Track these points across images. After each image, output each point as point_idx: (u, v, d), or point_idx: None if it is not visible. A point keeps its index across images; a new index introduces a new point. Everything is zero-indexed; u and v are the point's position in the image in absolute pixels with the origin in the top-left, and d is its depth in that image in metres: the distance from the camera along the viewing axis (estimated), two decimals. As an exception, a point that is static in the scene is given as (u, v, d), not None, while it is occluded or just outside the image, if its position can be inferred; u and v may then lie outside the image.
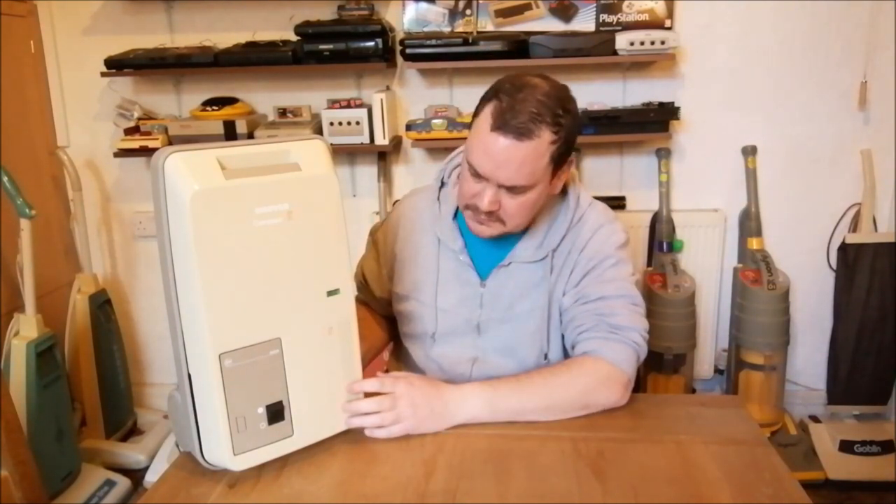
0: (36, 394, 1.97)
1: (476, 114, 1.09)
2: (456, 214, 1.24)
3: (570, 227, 1.19)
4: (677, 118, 2.14)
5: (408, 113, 2.32)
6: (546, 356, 1.21)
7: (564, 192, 1.21)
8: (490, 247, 1.21)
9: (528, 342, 1.21)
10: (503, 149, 1.04)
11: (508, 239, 1.19)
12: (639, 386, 2.30)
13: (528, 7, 2.15)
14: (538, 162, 1.06)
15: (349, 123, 2.18)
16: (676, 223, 2.28)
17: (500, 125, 1.03)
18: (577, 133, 1.12)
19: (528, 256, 1.19)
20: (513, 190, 1.08)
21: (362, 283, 1.37)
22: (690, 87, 2.24)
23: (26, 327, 2.01)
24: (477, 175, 1.08)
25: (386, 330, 1.38)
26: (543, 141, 1.05)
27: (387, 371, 1.45)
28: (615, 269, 1.18)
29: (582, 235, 1.19)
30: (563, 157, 1.10)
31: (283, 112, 2.25)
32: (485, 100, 1.08)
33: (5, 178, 1.96)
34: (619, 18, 2.12)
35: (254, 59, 2.15)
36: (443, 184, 1.27)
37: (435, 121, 2.13)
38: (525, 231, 1.19)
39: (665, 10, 2.11)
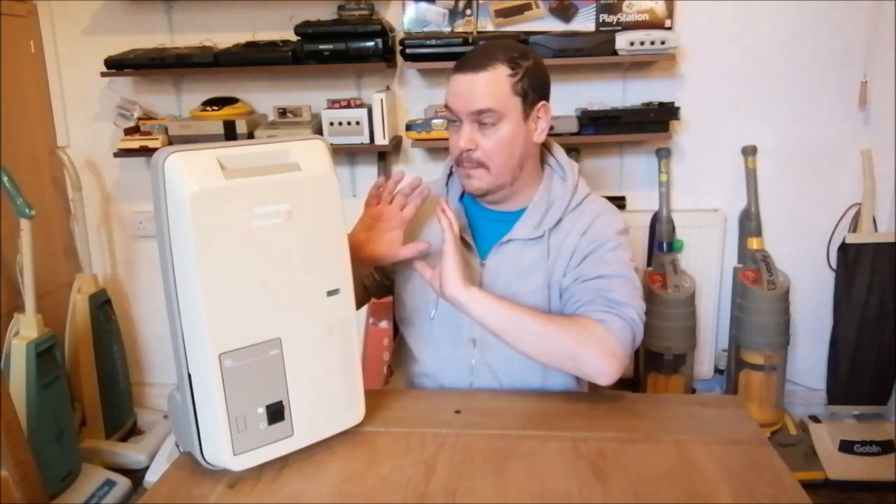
0: (36, 394, 1.97)
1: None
2: (462, 197, 1.30)
3: (568, 209, 1.23)
4: (677, 118, 2.14)
5: (408, 113, 2.32)
6: None
7: (564, 179, 1.27)
8: (492, 228, 1.26)
9: None
10: (464, 83, 1.15)
11: (509, 219, 1.24)
12: (639, 386, 2.31)
13: (528, 7, 2.15)
14: (498, 89, 1.15)
15: (349, 123, 2.18)
16: (676, 223, 2.28)
17: (458, 67, 1.17)
18: (543, 80, 1.21)
19: (526, 234, 1.23)
20: (483, 122, 1.15)
21: None
22: (690, 87, 2.24)
23: (26, 327, 2.01)
24: (453, 119, 1.18)
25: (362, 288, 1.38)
26: (499, 73, 1.15)
27: (388, 369, 1.46)
28: (614, 253, 1.20)
29: (582, 221, 1.23)
30: (530, 97, 1.18)
31: (283, 112, 2.25)
32: None
33: (5, 178, 1.96)
34: (619, 18, 2.12)
35: (254, 59, 2.15)
36: (451, 172, 1.33)
37: (435, 121, 2.13)
38: (524, 210, 1.25)
39: (665, 10, 2.11)
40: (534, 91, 1.18)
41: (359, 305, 1.40)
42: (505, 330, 1.11)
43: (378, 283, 1.38)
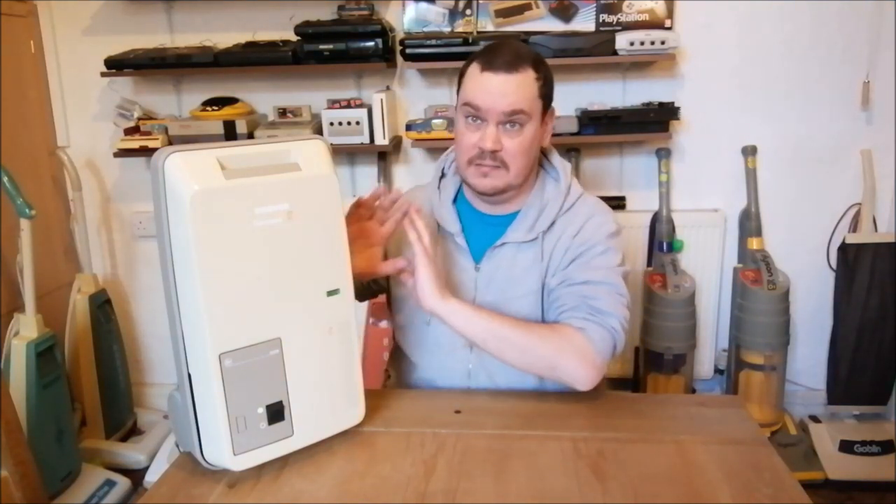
0: (36, 394, 1.97)
1: (462, 76, 1.20)
2: (455, 200, 1.29)
3: (561, 212, 1.23)
4: (677, 118, 2.14)
5: (408, 113, 2.32)
6: None
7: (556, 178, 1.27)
8: (485, 231, 1.25)
9: None
10: (498, 83, 1.14)
11: (503, 222, 1.24)
12: (639, 386, 2.31)
13: (528, 7, 2.15)
14: (530, 90, 1.15)
15: (349, 123, 2.18)
16: (676, 223, 2.28)
17: (489, 66, 1.14)
18: (553, 85, 1.22)
19: (520, 237, 1.22)
20: (511, 123, 1.15)
21: None
22: (690, 87, 2.24)
23: (26, 327, 2.01)
24: (476, 117, 1.16)
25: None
26: (528, 76, 1.15)
27: (386, 372, 1.46)
28: (603, 257, 1.20)
29: (574, 223, 1.23)
30: (547, 101, 1.20)
31: (283, 112, 2.25)
32: (466, 65, 1.19)
33: (5, 178, 1.95)
34: (619, 18, 2.12)
35: (254, 59, 2.15)
36: (443, 174, 1.32)
37: (435, 121, 2.13)
38: (518, 213, 1.24)
39: (665, 10, 2.11)
40: (549, 96, 1.20)
41: None
42: (486, 341, 1.12)
43: (365, 287, 1.36)
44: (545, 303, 1.22)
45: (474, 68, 1.16)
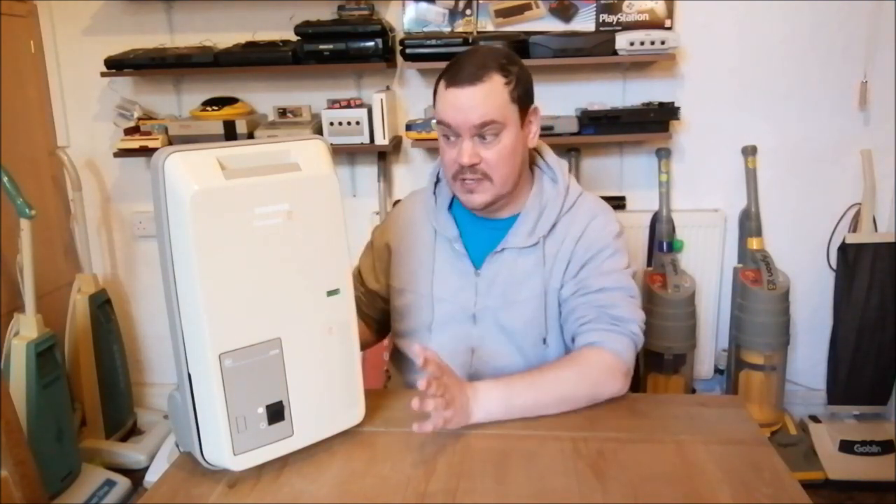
0: (36, 394, 1.97)
1: (434, 91, 1.19)
2: (451, 205, 1.28)
3: (561, 214, 1.22)
4: (677, 118, 2.14)
5: (408, 113, 2.32)
6: (545, 341, 1.22)
7: (554, 179, 1.25)
8: (484, 236, 1.24)
9: (525, 329, 1.22)
10: (463, 98, 1.12)
11: (501, 226, 1.23)
12: (639, 386, 2.30)
13: (528, 7, 2.15)
14: (498, 98, 1.13)
15: (349, 123, 2.18)
16: (676, 223, 2.28)
17: (452, 82, 1.13)
18: (530, 83, 1.19)
19: (520, 242, 1.21)
20: (486, 133, 1.13)
21: (357, 276, 1.38)
22: (690, 87, 2.24)
23: (26, 327, 2.01)
24: (450, 134, 1.16)
25: (370, 328, 1.39)
26: (496, 83, 1.13)
27: (387, 372, 1.45)
28: (612, 261, 1.20)
29: (576, 225, 1.21)
30: (524, 102, 1.17)
31: (283, 112, 2.25)
32: (437, 81, 1.18)
33: (5, 178, 1.96)
34: (619, 18, 2.12)
35: (254, 59, 2.15)
36: (438, 179, 1.31)
37: (435, 121, 2.12)
38: (516, 217, 1.23)
39: (665, 10, 2.11)
40: (526, 96, 1.17)
41: (370, 345, 1.40)
42: (525, 416, 1.08)
43: (385, 311, 1.37)
44: (548, 307, 1.21)
45: (441, 85, 1.15)
